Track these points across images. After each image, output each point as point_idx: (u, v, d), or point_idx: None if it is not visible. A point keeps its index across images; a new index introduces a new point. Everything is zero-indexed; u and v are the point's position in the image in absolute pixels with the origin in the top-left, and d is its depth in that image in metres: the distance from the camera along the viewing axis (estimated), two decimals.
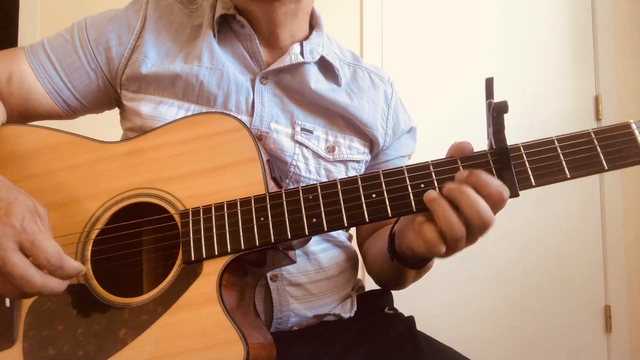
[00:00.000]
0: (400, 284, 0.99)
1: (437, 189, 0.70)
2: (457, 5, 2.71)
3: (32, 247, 0.62)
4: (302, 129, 0.95)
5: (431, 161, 0.71)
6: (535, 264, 2.59)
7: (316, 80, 0.96)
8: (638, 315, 2.57)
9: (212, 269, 0.73)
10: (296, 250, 0.88)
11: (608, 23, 2.71)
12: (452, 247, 0.69)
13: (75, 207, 0.79)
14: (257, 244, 0.72)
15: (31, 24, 2.47)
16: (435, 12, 2.71)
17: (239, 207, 0.74)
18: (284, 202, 0.73)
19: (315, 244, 0.98)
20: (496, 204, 0.66)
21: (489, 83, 0.71)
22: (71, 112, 0.98)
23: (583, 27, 2.73)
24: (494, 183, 0.66)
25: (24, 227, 0.62)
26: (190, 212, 0.76)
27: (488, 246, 2.55)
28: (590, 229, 2.63)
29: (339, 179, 0.73)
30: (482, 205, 0.65)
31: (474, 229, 0.67)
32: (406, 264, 0.83)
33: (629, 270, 2.59)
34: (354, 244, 1.12)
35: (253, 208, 0.74)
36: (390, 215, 0.71)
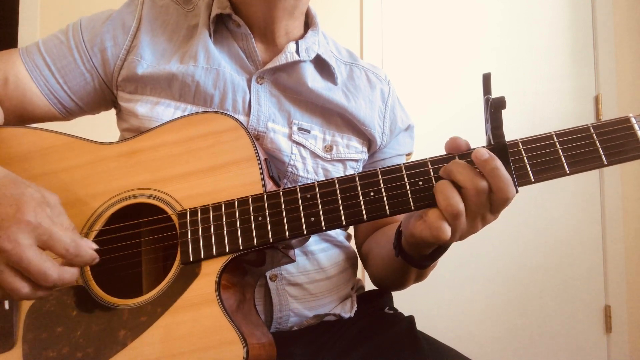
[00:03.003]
0: (401, 284, 0.98)
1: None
2: (457, 5, 2.72)
3: (49, 240, 0.63)
4: (299, 129, 0.95)
5: (429, 158, 0.71)
6: (535, 264, 2.59)
7: (312, 79, 0.96)
8: (638, 315, 2.57)
9: (211, 270, 0.72)
10: (295, 250, 0.88)
11: (608, 23, 2.71)
12: (453, 226, 0.68)
13: (72, 208, 0.79)
14: (256, 243, 0.72)
15: (31, 24, 2.47)
16: (435, 12, 2.71)
17: (236, 207, 0.74)
18: (282, 201, 0.73)
19: (315, 244, 0.98)
20: (500, 200, 0.67)
21: (486, 79, 0.71)
22: (67, 114, 0.98)
23: (583, 27, 2.73)
24: (507, 178, 0.66)
25: (38, 221, 0.62)
26: (188, 212, 0.75)
27: (488, 246, 2.55)
28: (590, 229, 2.62)
29: (337, 178, 0.73)
30: (473, 172, 0.66)
31: (470, 196, 0.67)
32: (411, 262, 0.83)
33: (629, 270, 2.59)
34: (353, 244, 1.12)
35: (251, 207, 0.74)
36: (388, 213, 0.70)
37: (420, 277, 0.93)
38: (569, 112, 2.67)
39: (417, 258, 0.81)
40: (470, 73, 2.61)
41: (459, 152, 0.71)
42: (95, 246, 0.68)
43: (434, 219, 0.68)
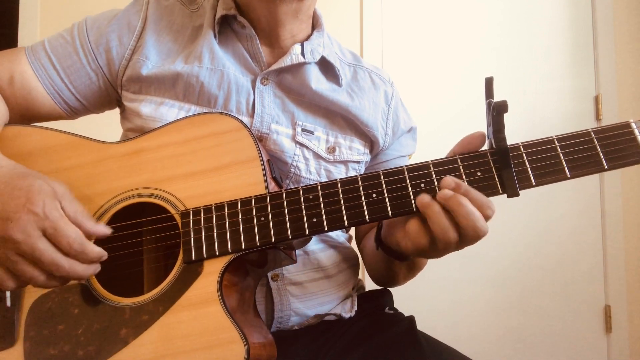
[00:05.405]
0: (392, 279, 1.00)
1: (437, 188, 0.70)
2: (457, 5, 2.71)
3: (55, 233, 0.65)
4: (303, 130, 0.95)
5: (431, 161, 0.72)
6: (535, 264, 2.59)
7: (317, 81, 0.96)
8: (638, 315, 2.57)
9: (213, 269, 0.73)
10: (296, 250, 0.88)
11: (608, 23, 2.71)
12: (442, 251, 0.71)
13: None
14: (258, 243, 0.73)
15: (31, 24, 2.47)
16: (436, 12, 2.71)
17: (239, 207, 0.74)
18: (285, 201, 0.74)
19: (315, 244, 0.98)
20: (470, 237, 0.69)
21: (489, 83, 0.71)
22: (72, 113, 0.98)
23: (583, 27, 2.73)
24: (481, 199, 0.68)
25: (46, 213, 0.64)
26: (191, 212, 0.76)
27: (488, 246, 2.54)
28: (590, 229, 2.62)
29: (339, 179, 0.73)
30: (478, 216, 0.67)
31: (467, 239, 0.69)
32: (392, 255, 0.85)
33: (629, 270, 2.59)
34: (354, 245, 1.12)
35: (254, 208, 0.74)
36: (390, 215, 0.71)
37: (413, 270, 0.95)
38: (569, 112, 2.67)
39: (397, 251, 0.83)
40: (470, 73, 2.61)
41: (474, 148, 0.71)
42: (103, 253, 0.69)
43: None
